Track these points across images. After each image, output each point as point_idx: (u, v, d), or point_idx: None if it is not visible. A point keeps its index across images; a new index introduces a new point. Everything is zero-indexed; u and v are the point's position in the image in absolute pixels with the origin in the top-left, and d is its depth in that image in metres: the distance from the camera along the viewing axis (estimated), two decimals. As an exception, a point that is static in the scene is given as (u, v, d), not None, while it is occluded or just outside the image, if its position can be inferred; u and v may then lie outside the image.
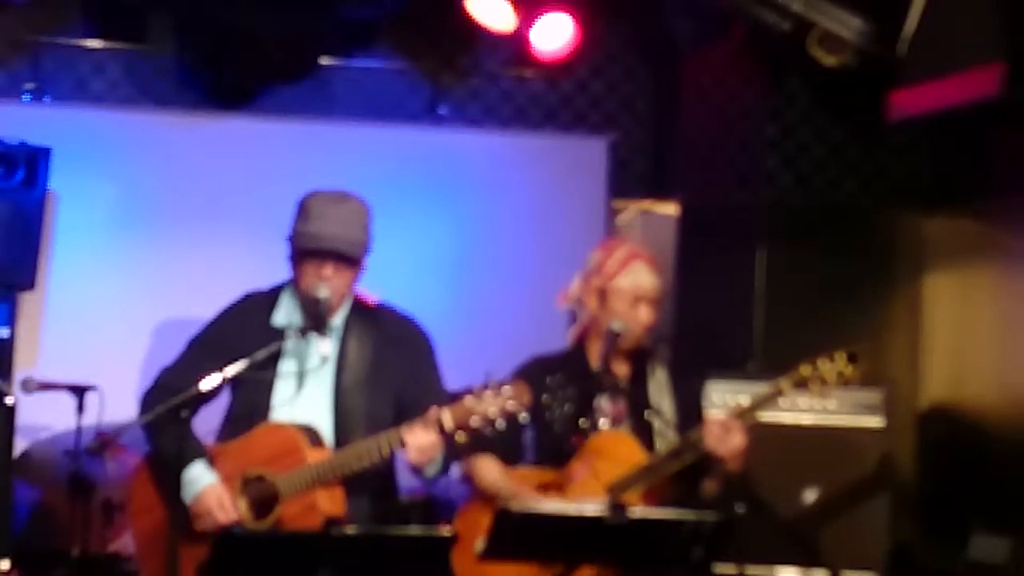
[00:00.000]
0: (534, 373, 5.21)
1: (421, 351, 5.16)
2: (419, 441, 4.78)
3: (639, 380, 5.27)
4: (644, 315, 5.19)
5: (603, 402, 5.18)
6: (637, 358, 5.28)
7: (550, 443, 5.17)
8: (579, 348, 5.30)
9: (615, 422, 5.20)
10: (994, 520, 6.37)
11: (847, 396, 5.99)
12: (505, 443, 5.07)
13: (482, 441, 4.92)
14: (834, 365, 4.99)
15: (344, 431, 4.98)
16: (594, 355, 5.25)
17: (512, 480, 5.13)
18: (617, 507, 4.34)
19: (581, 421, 5.08)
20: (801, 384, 5.00)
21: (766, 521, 5.71)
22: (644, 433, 5.17)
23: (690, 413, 5.24)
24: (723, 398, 5.97)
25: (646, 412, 5.18)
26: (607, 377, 5.14)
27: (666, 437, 5.13)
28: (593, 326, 5.27)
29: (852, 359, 4.99)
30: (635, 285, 5.18)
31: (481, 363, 5.18)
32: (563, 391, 5.10)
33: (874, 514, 6.16)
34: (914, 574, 6.51)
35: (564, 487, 5.10)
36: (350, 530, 4.44)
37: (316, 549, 4.24)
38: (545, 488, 5.12)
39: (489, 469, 5.17)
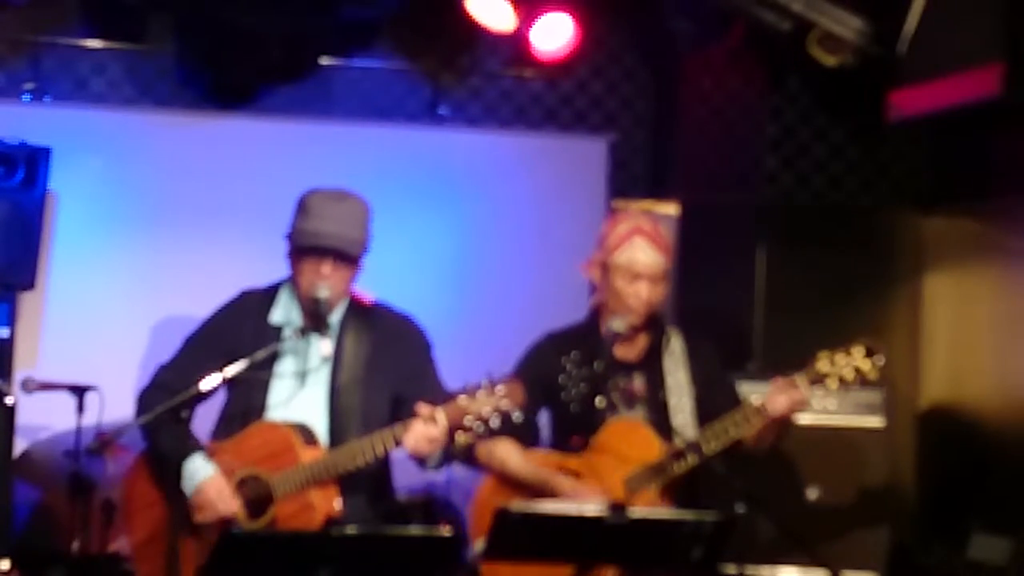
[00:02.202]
0: (549, 352, 5.21)
1: (417, 350, 5.16)
2: (424, 432, 4.76)
3: (654, 355, 5.24)
4: (644, 291, 5.14)
5: (619, 381, 5.17)
6: (651, 333, 5.25)
7: (567, 424, 5.15)
8: (594, 321, 5.26)
9: (631, 401, 5.17)
10: (994, 520, 6.37)
11: (847, 396, 5.99)
12: (520, 426, 5.00)
13: (499, 427, 4.87)
14: (851, 359, 4.97)
15: (339, 430, 4.97)
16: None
17: (537, 463, 5.12)
18: (617, 507, 4.33)
19: (598, 400, 5.06)
20: (818, 380, 4.99)
21: (766, 521, 5.71)
22: (660, 411, 5.16)
23: (707, 382, 5.23)
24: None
25: (667, 404, 5.16)
26: (620, 360, 5.13)
27: (684, 413, 5.12)
28: (603, 300, 5.24)
29: (870, 353, 4.97)
30: (632, 261, 5.13)
31: (481, 363, 5.17)
32: (579, 371, 5.05)
33: (874, 514, 6.16)
34: (914, 574, 6.51)
35: (582, 476, 5.09)
36: (350, 530, 4.44)
37: (316, 549, 4.23)
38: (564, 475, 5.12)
39: (511, 453, 5.15)
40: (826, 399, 5.08)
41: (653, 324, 5.24)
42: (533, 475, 5.11)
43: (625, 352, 5.21)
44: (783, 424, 5.09)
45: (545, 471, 5.11)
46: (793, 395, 4.99)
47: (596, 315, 5.27)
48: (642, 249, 5.15)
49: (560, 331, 5.34)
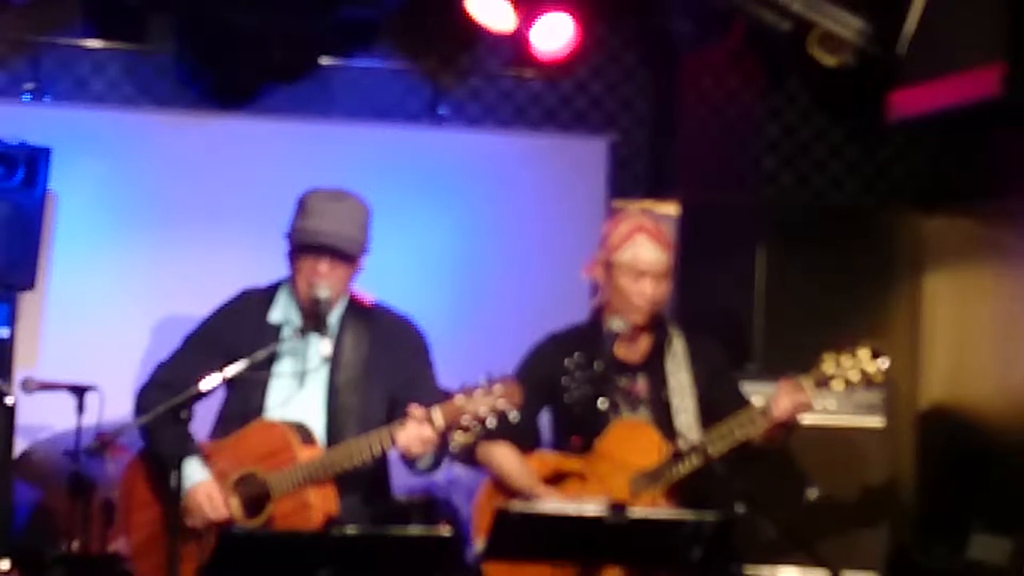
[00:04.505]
0: (551, 354, 5.20)
1: (416, 351, 5.15)
2: (416, 433, 4.77)
3: (656, 356, 5.25)
4: (649, 289, 5.16)
5: (622, 382, 5.17)
6: (654, 333, 5.25)
7: (570, 426, 5.15)
8: (596, 322, 5.26)
9: (633, 402, 5.18)
10: (994, 520, 6.38)
11: (847, 396, 5.98)
12: (521, 428, 4.99)
13: (496, 428, 4.86)
14: (857, 362, 4.96)
15: (336, 430, 4.97)
16: None
17: (529, 470, 5.11)
18: (617, 507, 4.34)
19: (600, 402, 5.06)
20: (823, 383, 4.98)
21: (766, 521, 5.71)
22: (663, 412, 5.16)
23: (711, 382, 5.23)
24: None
25: (670, 404, 5.16)
26: (622, 361, 5.13)
27: (687, 414, 5.12)
28: (606, 300, 5.25)
29: (876, 355, 4.96)
30: (635, 259, 5.15)
31: (481, 363, 5.17)
32: (582, 372, 5.05)
33: (874, 514, 6.17)
34: (914, 574, 6.52)
35: (586, 477, 5.10)
36: (350, 530, 4.44)
37: (316, 549, 4.24)
38: (567, 477, 5.11)
39: (506, 457, 5.14)
40: (826, 399, 5.07)
41: (656, 324, 5.25)
42: (519, 483, 5.10)
43: (628, 353, 5.21)
44: (788, 425, 5.08)
45: (531, 482, 5.09)
46: (798, 398, 4.99)
47: (599, 316, 5.27)
48: (645, 247, 5.16)
49: (562, 332, 5.34)
